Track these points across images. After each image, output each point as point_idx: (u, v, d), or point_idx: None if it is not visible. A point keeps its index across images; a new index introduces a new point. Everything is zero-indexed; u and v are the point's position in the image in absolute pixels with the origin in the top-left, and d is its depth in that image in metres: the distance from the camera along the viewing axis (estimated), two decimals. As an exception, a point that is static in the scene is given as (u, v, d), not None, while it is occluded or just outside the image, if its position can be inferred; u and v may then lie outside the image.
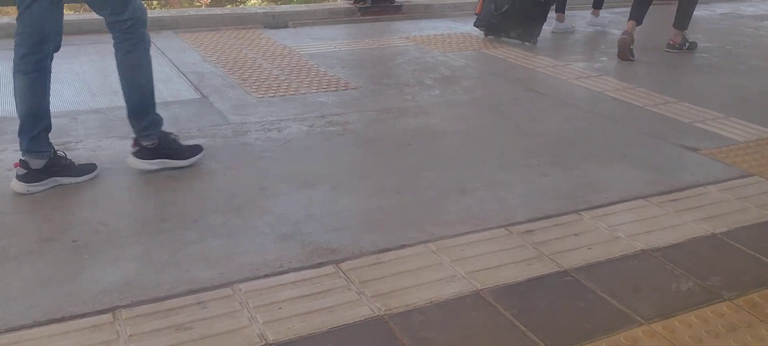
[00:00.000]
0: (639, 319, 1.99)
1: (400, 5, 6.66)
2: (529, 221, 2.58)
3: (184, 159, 2.94)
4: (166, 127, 3.00)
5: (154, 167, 2.89)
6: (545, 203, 2.73)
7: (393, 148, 3.29)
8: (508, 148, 3.32)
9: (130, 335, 1.83)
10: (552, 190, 2.86)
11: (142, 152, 2.90)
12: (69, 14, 6.42)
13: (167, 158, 2.91)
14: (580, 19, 6.59)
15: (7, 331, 1.84)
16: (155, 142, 2.89)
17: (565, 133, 3.55)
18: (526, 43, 5.55)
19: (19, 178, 2.67)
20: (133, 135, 2.91)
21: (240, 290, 2.07)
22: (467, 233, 2.47)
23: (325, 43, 5.41)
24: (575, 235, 2.48)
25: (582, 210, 2.68)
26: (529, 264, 2.27)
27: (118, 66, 2.83)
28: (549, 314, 2.01)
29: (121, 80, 2.85)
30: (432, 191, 2.82)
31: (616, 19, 6.65)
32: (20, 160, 2.69)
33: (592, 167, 3.11)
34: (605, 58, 5.24)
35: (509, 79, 4.54)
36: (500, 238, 2.45)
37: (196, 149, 3.01)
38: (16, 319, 1.89)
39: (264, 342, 1.83)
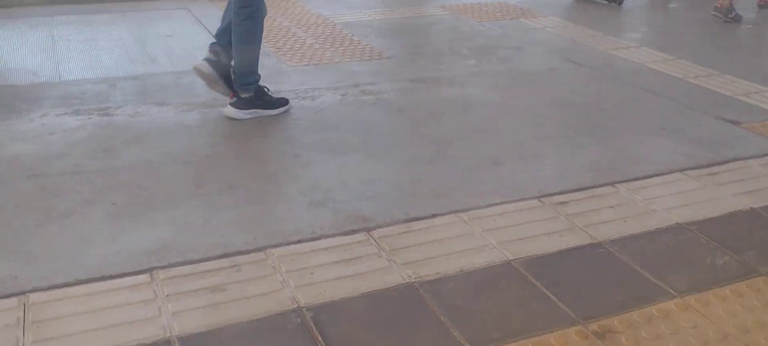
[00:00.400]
0: (672, 292, 1.97)
1: (437, -26, 6.57)
2: (563, 192, 2.55)
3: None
4: (201, 95, 3.04)
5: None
6: (580, 175, 2.70)
7: (426, 118, 3.28)
8: (544, 119, 3.28)
9: (167, 295, 1.88)
10: (588, 162, 2.83)
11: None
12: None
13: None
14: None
15: (50, 288, 1.90)
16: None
17: (604, 105, 3.49)
18: (613, 3, 5.75)
19: (232, 105, 3.15)
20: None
21: (273, 254, 2.10)
22: (500, 203, 2.46)
23: (360, 12, 5.39)
24: (610, 207, 2.46)
25: (618, 182, 2.64)
26: (562, 236, 2.26)
27: (232, 28, 3.13)
28: (581, 286, 2.00)
29: (233, 39, 3.14)
30: (465, 160, 2.81)
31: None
32: (233, 91, 3.17)
33: (629, 139, 3.06)
34: (645, 29, 5.11)
35: (547, 50, 4.47)
36: (533, 209, 2.43)
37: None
38: (59, 277, 1.96)
39: (296, 305, 1.86)
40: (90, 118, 3.12)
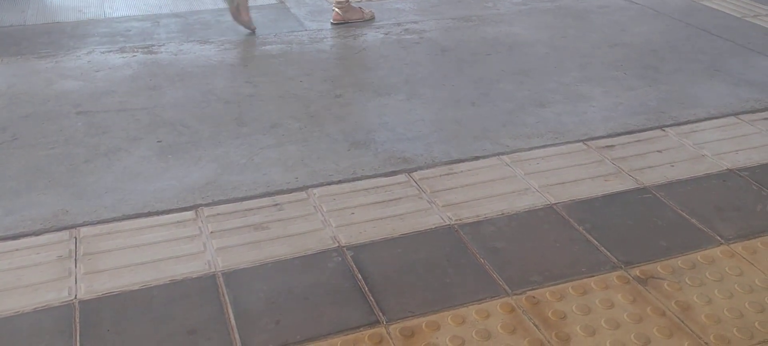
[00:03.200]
0: (719, 239, 1.92)
1: None
2: (610, 136, 2.49)
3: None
4: (243, 33, 3.02)
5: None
6: (628, 118, 2.63)
7: (470, 58, 3.22)
8: (592, 60, 3.18)
9: (211, 232, 1.93)
10: (636, 104, 2.74)
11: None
12: None
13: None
14: None
15: (99, 222, 1.96)
16: None
17: (655, 45, 3.37)
18: None
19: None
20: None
21: (314, 194, 2.12)
22: (543, 146, 2.42)
23: (404, -52, 5.26)
24: (658, 151, 2.39)
25: (667, 126, 2.56)
26: (607, 180, 2.21)
27: None
28: (624, 231, 1.96)
29: None
30: (509, 102, 2.75)
31: None
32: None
33: (681, 81, 2.95)
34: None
35: (597, -13, 4.30)
36: (578, 152, 2.38)
37: None
38: (108, 212, 2.01)
39: (337, 244, 1.88)
40: (135, 55, 3.16)
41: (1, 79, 2.89)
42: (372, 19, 3.70)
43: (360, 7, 3.74)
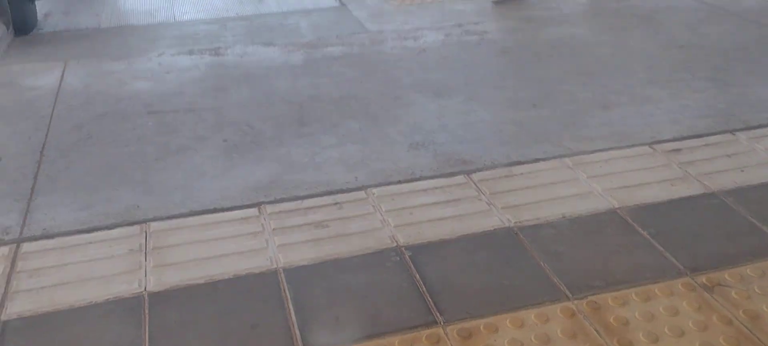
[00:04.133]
0: (794, 249, 1.84)
1: None
2: (677, 139, 2.42)
3: None
4: (306, 36, 3.08)
5: None
6: (696, 121, 2.55)
7: (532, 59, 3.18)
8: (659, 61, 3.10)
9: (273, 229, 1.97)
10: (705, 107, 2.66)
11: None
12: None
13: None
14: None
15: (168, 218, 2.04)
16: None
17: (725, 46, 3.25)
18: None
19: None
20: None
21: (373, 194, 2.14)
22: (607, 149, 2.37)
23: (466, -51, 5.24)
24: (727, 156, 2.31)
25: (737, 130, 2.47)
26: (673, 184, 2.15)
27: None
28: (690, 237, 1.91)
29: None
30: (571, 104, 2.71)
31: None
32: None
33: (752, 84, 2.84)
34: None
35: (664, -14, 4.19)
36: (643, 156, 2.33)
37: None
38: (176, 208, 2.09)
39: (395, 244, 1.90)
40: (202, 57, 3.26)
41: (77, 79, 3.03)
42: None
43: None
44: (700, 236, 1.91)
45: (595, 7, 3.85)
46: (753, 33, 3.42)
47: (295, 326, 1.59)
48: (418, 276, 1.76)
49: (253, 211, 2.07)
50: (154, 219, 2.03)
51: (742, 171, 2.21)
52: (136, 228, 2.00)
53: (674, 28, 3.50)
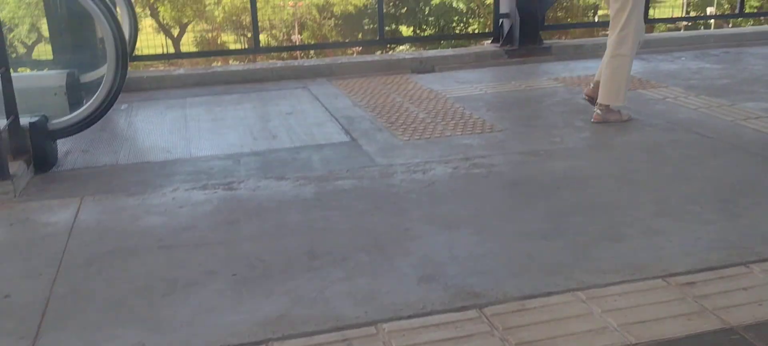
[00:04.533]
0: (822, 388, 1.77)
1: (549, 47, 6.56)
2: (690, 272, 2.39)
3: None
4: (317, 170, 3.14)
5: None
6: (709, 253, 2.53)
7: (540, 192, 3.22)
8: (667, 194, 3.12)
9: (280, 367, 1.92)
10: (716, 239, 2.65)
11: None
12: (235, 65, 7.00)
13: None
14: (750, 56, 6.11)
15: (174, 355, 2.00)
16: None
17: (732, 178, 3.28)
18: None
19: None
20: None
21: (384, 329, 2.10)
22: (620, 282, 2.34)
23: (471, 86, 5.45)
24: (743, 289, 2.27)
25: (751, 262, 2.44)
26: (690, 319, 2.11)
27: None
28: (713, 375, 1.84)
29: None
30: (581, 236, 2.71)
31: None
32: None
33: (762, 216, 2.84)
34: (779, 97, 4.79)
35: (669, 121, 4.29)
36: (657, 289, 2.29)
37: None
38: (182, 345, 2.05)
39: (406, 383, 1.84)
40: (216, 192, 3.32)
41: (91, 216, 3.08)
42: (629, 120, 4.26)
43: (619, 111, 4.23)
44: (723, 373, 1.85)
45: (599, 141, 3.93)
46: (758, 166, 3.46)
47: None
48: (430, 418, 1.69)
49: (261, 348, 2.03)
50: (160, 357, 1.99)
51: (760, 305, 2.17)
52: (140, 366, 1.95)
53: (680, 161, 3.55)
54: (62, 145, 4.01)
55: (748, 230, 2.72)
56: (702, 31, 6.97)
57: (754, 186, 3.18)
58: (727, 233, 2.69)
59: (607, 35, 4.31)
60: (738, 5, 8.00)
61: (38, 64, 6.16)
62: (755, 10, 14.65)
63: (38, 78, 4.20)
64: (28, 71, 6.27)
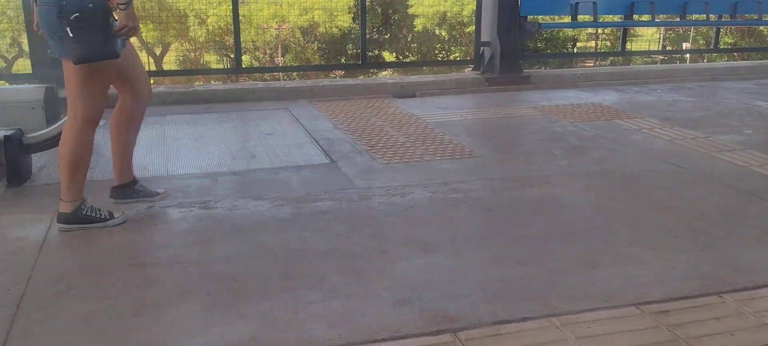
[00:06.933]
0: (791, 418, 1.78)
1: (529, 76, 6.64)
2: (664, 300, 2.41)
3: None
4: (295, 191, 3.12)
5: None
6: (682, 283, 2.55)
7: (516, 218, 3.23)
8: (641, 223, 3.15)
9: (251, 389, 1.89)
10: (690, 269, 2.67)
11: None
12: (217, 85, 6.99)
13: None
14: (724, 89, 6.24)
15: (143, 375, 1.96)
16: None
17: (706, 209, 3.32)
18: None
19: None
20: None
21: (357, 352, 2.08)
22: (594, 309, 2.35)
23: (451, 112, 5.48)
24: (716, 319, 2.29)
25: (724, 292, 2.47)
26: (663, 347, 2.11)
27: None
28: (684, 404, 1.84)
29: None
30: (557, 263, 2.72)
31: (763, 91, 6.22)
32: None
33: (736, 247, 2.88)
34: (750, 131, 4.89)
35: (644, 151, 4.35)
36: (631, 317, 2.30)
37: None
38: (152, 364, 2.01)
39: (378, 407, 1.82)
40: (191, 210, 3.29)
41: (64, 233, 3.03)
42: None
43: None
44: (694, 402, 1.85)
45: (575, 169, 3.97)
46: (730, 197, 3.51)
47: None
48: None
49: (232, 369, 1.99)
50: (128, 376, 1.95)
51: (732, 335, 2.19)
52: (107, 386, 1.91)
53: (654, 191, 3.60)
54: (37, 159, 3.95)
55: (722, 260, 2.75)
56: (677, 65, 7.11)
57: (728, 217, 3.23)
58: (700, 263, 2.72)
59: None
60: (713, 41, 8.19)
61: (17, 79, 6.09)
62: (729, 46, 15.01)
63: (16, 92, 4.14)
64: (6, 85, 6.20)
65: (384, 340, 2.15)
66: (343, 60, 18.80)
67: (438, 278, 2.59)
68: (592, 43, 20.87)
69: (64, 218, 3.01)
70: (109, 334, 2.20)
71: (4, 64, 16.94)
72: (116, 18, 2.82)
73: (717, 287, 2.51)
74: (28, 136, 3.73)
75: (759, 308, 2.35)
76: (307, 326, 2.24)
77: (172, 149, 4.40)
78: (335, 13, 18.78)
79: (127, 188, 3.28)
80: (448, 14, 18.32)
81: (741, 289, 2.49)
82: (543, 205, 3.39)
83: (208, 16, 18.63)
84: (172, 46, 20.41)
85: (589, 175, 3.88)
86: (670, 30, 19.02)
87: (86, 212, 3.02)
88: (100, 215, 3.04)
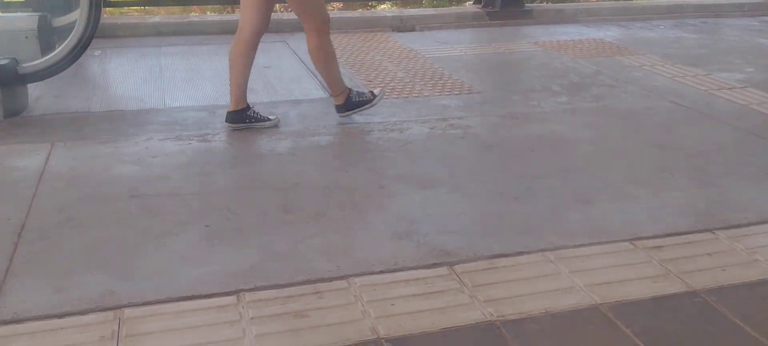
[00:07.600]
0: (777, 350, 1.83)
1: (530, 10, 6.54)
2: (658, 236, 2.44)
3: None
4: (293, 125, 3.12)
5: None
6: (676, 219, 2.58)
7: (514, 154, 3.24)
8: (639, 160, 3.16)
9: (251, 318, 1.94)
10: (685, 205, 2.70)
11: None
12: (213, 16, 6.87)
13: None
14: (727, 26, 6.17)
15: (143, 304, 2.00)
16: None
17: (703, 147, 3.33)
18: None
19: None
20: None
21: (355, 283, 2.12)
22: (589, 244, 2.38)
23: (451, 47, 5.42)
24: (708, 254, 2.33)
25: (717, 229, 2.50)
26: (655, 281, 2.16)
27: None
28: (673, 336, 1.89)
29: None
30: (553, 199, 2.74)
31: (765, 28, 6.15)
32: None
33: (731, 184, 2.90)
34: (751, 69, 4.85)
35: (644, 88, 4.33)
36: (624, 252, 2.34)
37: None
38: (152, 294, 2.05)
39: (375, 336, 1.86)
40: (190, 143, 3.29)
41: (62, 162, 3.03)
42: None
43: None
44: (683, 335, 1.90)
45: (575, 106, 3.95)
46: (729, 135, 3.51)
47: (270, 420, 1.54)
48: (397, 370, 1.72)
49: (232, 299, 2.04)
50: (129, 305, 1.99)
51: (724, 270, 2.23)
52: (109, 314, 1.95)
53: (652, 129, 3.59)
54: (33, 89, 3.92)
55: (717, 197, 2.77)
56: (681, 1, 6.98)
57: (724, 155, 3.24)
58: (696, 200, 2.74)
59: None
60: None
61: (9, 7, 5.97)
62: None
63: (9, 20, 4.07)
64: (-2, 13, 6.08)
65: (381, 272, 2.19)
66: (341, -9, 18.42)
67: (435, 212, 2.61)
68: (596, -22, 20.46)
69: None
70: (112, 263, 2.23)
71: (-5, -7, 16.60)
72: None
73: (710, 224, 2.54)
74: (24, 65, 3.68)
75: (751, 245, 2.38)
76: (305, 259, 2.27)
77: (169, 81, 4.37)
78: (334, -57, 18.33)
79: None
80: (450, -55, 17.91)
81: (734, 226, 2.52)
82: (541, 142, 3.39)
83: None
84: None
85: (589, 112, 3.87)
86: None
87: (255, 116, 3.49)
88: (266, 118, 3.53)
